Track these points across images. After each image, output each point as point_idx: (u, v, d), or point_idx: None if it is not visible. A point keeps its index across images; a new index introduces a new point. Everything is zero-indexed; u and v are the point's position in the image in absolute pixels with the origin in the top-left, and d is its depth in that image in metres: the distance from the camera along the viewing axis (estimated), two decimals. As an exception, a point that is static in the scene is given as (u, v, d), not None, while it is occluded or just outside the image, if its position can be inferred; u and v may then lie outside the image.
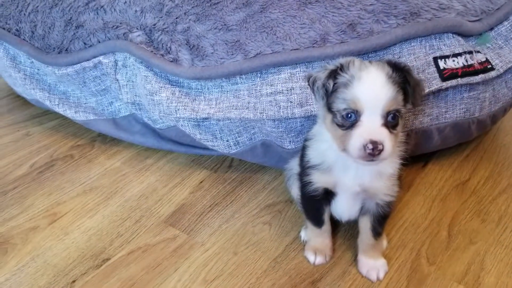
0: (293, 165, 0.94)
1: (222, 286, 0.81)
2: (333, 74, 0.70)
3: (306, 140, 0.80)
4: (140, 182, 1.07)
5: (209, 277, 0.83)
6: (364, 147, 0.66)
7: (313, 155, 0.77)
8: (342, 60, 0.71)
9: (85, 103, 1.19)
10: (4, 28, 1.20)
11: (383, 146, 0.65)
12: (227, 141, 1.04)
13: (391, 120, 0.68)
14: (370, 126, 0.67)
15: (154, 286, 0.81)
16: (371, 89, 0.67)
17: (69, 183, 1.06)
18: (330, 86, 0.70)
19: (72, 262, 0.85)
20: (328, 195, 0.80)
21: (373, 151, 0.65)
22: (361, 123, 0.67)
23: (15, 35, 1.18)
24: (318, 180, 0.77)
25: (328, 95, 0.70)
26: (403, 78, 0.69)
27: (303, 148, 0.80)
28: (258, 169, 1.11)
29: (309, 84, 0.74)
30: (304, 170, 0.79)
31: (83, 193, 1.03)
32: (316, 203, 0.81)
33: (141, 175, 1.09)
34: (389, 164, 0.74)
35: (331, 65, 0.71)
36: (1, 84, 1.49)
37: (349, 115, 0.68)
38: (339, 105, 0.69)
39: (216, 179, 1.08)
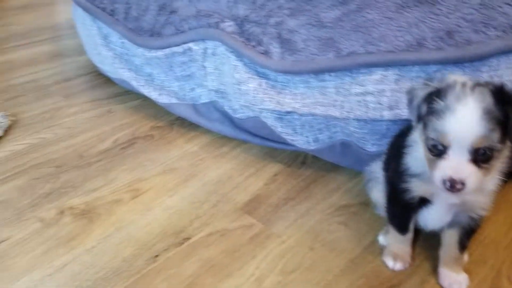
0: (375, 169, 0.93)
1: (299, 279, 0.82)
2: (430, 98, 0.68)
3: (404, 146, 0.79)
4: (216, 168, 1.09)
5: (286, 269, 0.83)
6: (444, 181, 0.65)
7: (413, 164, 0.76)
8: (445, 81, 0.68)
9: (168, 87, 1.22)
10: (99, 7, 1.26)
11: (464, 184, 0.64)
12: (307, 137, 1.04)
13: (481, 156, 0.65)
14: (455, 162, 0.65)
15: (233, 270, 0.82)
16: (462, 124, 0.64)
17: (150, 161, 1.10)
18: (424, 111, 0.69)
19: (154, 238, 0.88)
20: (421, 203, 0.79)
21: (452, 189, 0.64)
22: (447, 156, 0.65)
23: (109, 15, 1.24)
24: (417, 189, 0.76)
25: (421, 117, 0.69)
26: (505, 112, 0.64)
27: (400, 155, 0.79)
28: (332, 168, 1.11)
29: (407, 97, 0.73)
30: (400, 177, 0.78)
31: (163, 173, 1.06)
32: (406, 211, 0.80)
33: (217, 161, 1.12)
34: (491, 180, 0.72)
35: (432, 84, 0.69)
36: (85, 61, 1.56)
37: (437, 146, 0.67)
38: (429, 132, 0.67)
39: (290, 174, 1.09)
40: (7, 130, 1.17)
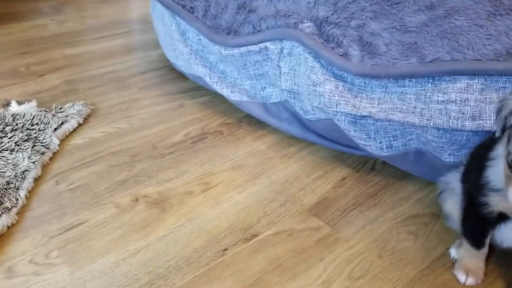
0: (451, 179, 0.90)
1: (367, 286, 0.80)
2: None
3: (486, 159, 0.75)
4: (284, 168, 1.09)
5: (354, 274, 0.82)
6: None
7: (494, 178, 0.72)
8: None
9: (240, 85, 1.24)
10: (179, 4, 1.29)
11: None
12: (380, 142, 1.02)
13: None
14: None
15: (300, 271, 0.82)
16: None
17: (219, 157, 1.11)
18: (509, 123, 0.65)
19: (223, 231, 0.90)
20: (499, 218, 0.75)
21: None
22: None
23: (189, 11, 1.27)
24: (496, 204, 0.73)
25: (506, 129, 0.66)
26: None
27: (482, 167, 0.75)
28: (402, 176, 1.08)
29: (496, 107, 0.69)
30: (480, 190, 0.74)
31: (232, 169, 1.07)
32: (483, 225, 0.77)
33: (284, 161, 1.12)
34: None
35: None
36: (158, 55, 1.61)
37: None
38: (510, 147, 0.64)
39: (359, 179, 1.07)
40: (86, 118, 1.22)
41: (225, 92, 1.25)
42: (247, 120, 1.28)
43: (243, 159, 1.11)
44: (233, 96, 1.24)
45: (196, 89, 1.41)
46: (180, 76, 1.48)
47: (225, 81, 1.25)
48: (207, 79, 1.27)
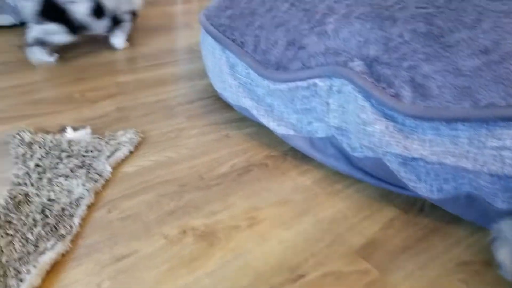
0: (504, 228, 0.88)
1: (417, 336, 0.78)
2: None
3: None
4: (330, 205, 1.09)
5: (404, 323, 0.80)
6: None
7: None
8: None
9: (287, 118, 1.25)
10: (230, 38, 1.33)
11: None
12: (431, 185, 1.00)
13: None
14: None
15: (348, 316, 0.81)
16: None
17: (265, 191, 1.12)
18: None
19: (270, 269, 0.90)
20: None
21: None
22: None
23: (239, 46, 1.30)
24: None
25: None
26: None
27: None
28: (451, 219, 1.06)
29: None
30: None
31: (277, 204, 1.08)
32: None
33: (331, 198, 1.11)
34: None
35: None
36: (205, 85, 1.65)
37: None
38: None
39: (407, 221, 1.05)
40: (137, 146, 1.26)
41: (272, 125, 1.26)
42: (292, 154, 1.28)
43: (289, 195, 1.12)
44: (279, 129, 1.25)
45: (241, 120, 1.44)
46: (225, 106, 1.51)
47: (272, 114, 1.27)
48: (254, 112, 1.29)
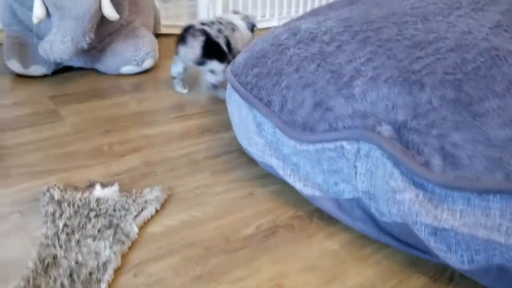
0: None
1: None
2: None
3: None
4: (358, 272, 1.07)
5: None
6: None
7: None
8: None
9: (313, 178, 1.25)
10: (256, 97, 1.35)
11: None
12: (461, 256, 0.98)
13: None
14: None
15: None
16: None
17: (291, 255, 1.11)
18: None
19: None
20: None
21: None
22: None
23: (266, 105, 1.32)
24: None
25: None
26: None
27: None
28: (483, 290, 1.02)
29: None
30: None
31: (304, 270, 1.06)
32: None
33: (359, 264, 1.09)
34: None
35: None
36: (230, 138, 1.67)
37: None
38: None
39: (437, 290, 1.02)
40: (163, 204, 1.27)
41: (298, 185, 1.26)
42: (318, 214, 1.27)
43: (316, 260, 1.10)
44: (305, 190, 1.25)
45: (266, 176, 1.44)
46: (250, 161, 1.51)
47: (298, 173, 1.27)
48: (280, 171, 1.29)
